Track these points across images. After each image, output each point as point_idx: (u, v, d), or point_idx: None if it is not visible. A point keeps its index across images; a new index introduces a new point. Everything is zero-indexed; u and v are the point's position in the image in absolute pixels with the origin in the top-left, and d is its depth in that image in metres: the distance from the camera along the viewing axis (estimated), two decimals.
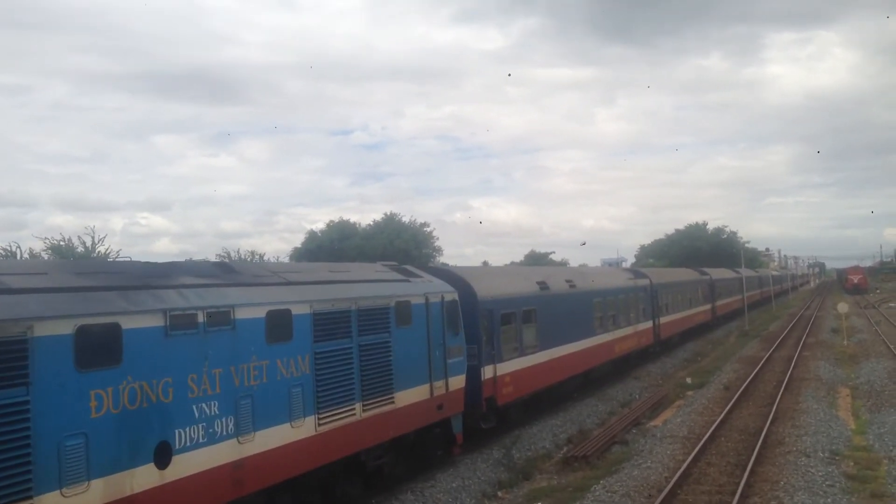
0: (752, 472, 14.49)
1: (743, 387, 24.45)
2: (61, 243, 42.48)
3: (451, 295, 15.81)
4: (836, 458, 15.58)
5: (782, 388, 24.01)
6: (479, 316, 17.32)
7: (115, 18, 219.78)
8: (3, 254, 41.21)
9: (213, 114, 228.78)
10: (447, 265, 32.34)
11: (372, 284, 13.51)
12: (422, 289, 14.83)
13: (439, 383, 14.85)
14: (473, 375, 16.62)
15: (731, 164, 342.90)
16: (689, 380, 27.84)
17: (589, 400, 24.01)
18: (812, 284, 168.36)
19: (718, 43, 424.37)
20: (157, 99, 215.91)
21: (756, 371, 28.18)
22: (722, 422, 19.25)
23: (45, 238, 44.18)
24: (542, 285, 21.44)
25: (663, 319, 34.60)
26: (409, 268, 15.87)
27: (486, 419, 17.69)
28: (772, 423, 18.86)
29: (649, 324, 32.23)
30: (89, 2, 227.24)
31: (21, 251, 42.05)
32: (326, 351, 11.64)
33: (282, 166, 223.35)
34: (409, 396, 13.78)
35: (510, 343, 18.86)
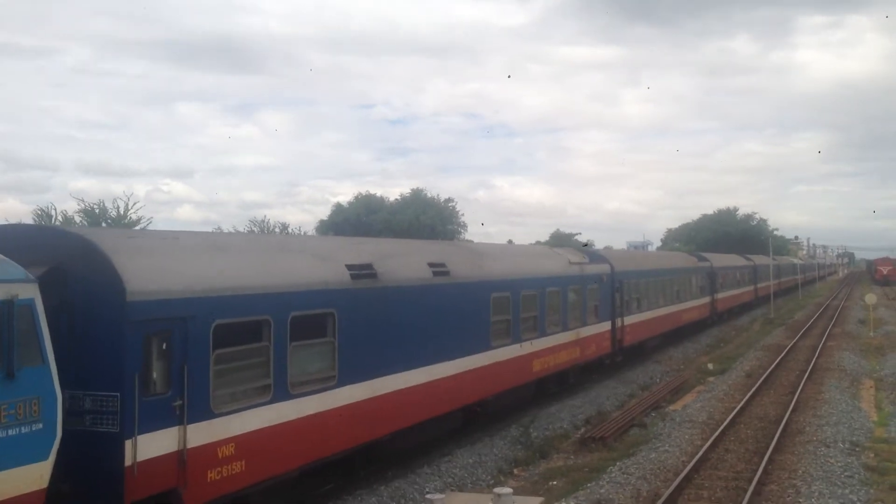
0: (770, 459, 14.48)
1: (765, 375, 24.33)
2: (95, 208, 43.25)
3: None
4: (857, 449, 15.51)
5: (805, 377, 23.85)
6: (130, 331, 8.66)
7: None
8: (41, 214, 42.16)
9: (234, 84, 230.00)
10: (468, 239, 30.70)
11: None
12: None
13: None
14: (107, 455, 8.49)
15: (758, 149, 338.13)
16: (710, 365, 27.74)
17: (609, 382, 24.07)
18: (840, 274, 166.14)
19: (744, 25, 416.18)
20: (178, 67, 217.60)
21: (779, 359, 28.00)
22: (742, 409, 19.20)
23: (81, 200, 45.03)
24: (360, 271, 12.79)
25: (629, 320, 26.44)
26: None
27: None
28: (793, 411, 18.78)
29: (606, 326, 24.40)
30: None
31: (56, 213, 42.95)
32: None
33: (304, 138, 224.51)
34: None
35: (251, 379, 10.50)
